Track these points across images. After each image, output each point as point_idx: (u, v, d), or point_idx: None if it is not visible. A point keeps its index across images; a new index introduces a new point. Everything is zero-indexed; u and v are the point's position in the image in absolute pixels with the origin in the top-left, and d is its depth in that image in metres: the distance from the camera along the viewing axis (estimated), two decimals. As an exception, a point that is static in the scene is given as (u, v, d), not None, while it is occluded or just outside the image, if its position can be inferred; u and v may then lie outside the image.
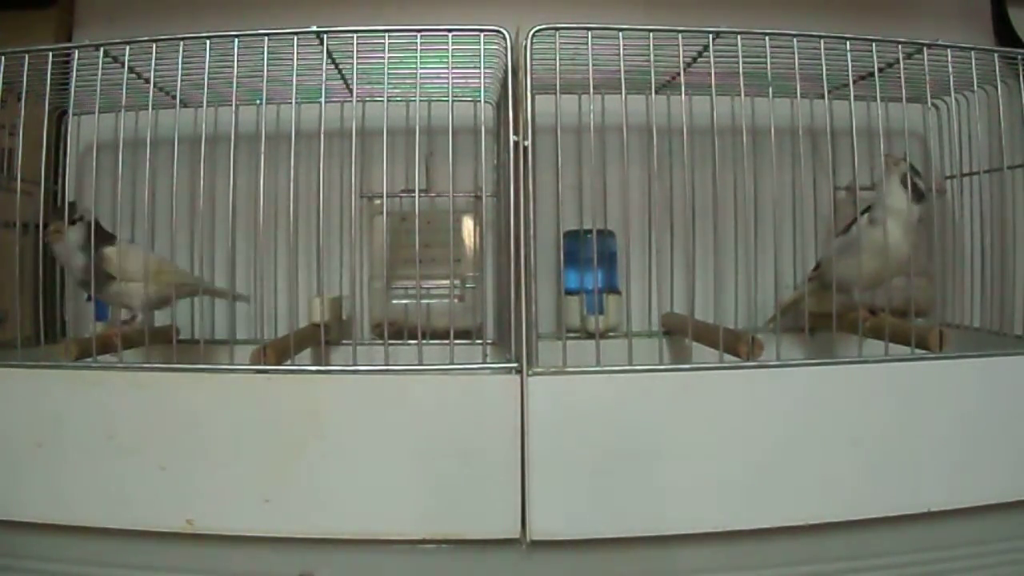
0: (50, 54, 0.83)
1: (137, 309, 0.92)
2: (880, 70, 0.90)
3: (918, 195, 0.92)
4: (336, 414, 0.76)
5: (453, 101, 0.83)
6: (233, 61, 0.83)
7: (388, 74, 0.82)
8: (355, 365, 0.83)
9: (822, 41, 0.83)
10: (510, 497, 0.74)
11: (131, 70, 0.87)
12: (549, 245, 0.99)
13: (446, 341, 0.82)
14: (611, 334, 1.08)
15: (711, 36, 0.83)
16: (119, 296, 0.91)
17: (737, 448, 0.77)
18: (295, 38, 0.80)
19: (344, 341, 1.08)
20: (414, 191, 0.91)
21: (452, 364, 0.78)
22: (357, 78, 0.89)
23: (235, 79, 0.85)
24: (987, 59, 0.89)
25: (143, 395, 0.76)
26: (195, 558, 0.76)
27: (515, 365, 0.76)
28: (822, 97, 0.95)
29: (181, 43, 0.81)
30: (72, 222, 0.89)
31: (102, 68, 0.83)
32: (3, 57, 0.83)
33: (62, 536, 0.77)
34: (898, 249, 0.90)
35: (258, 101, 0.96)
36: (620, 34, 0.80)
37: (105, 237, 0.90)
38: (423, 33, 0.81)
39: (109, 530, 0.76)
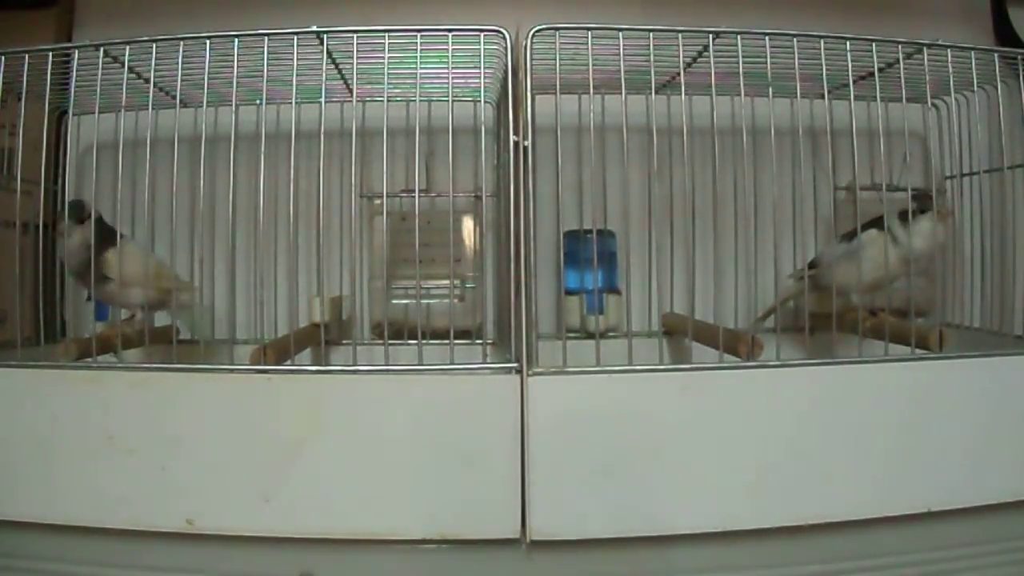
0: (50, 54, 0.83)
1: (136, 308, 0.92)
2: (880, 70, 0.90)
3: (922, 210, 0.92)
4: (336, 414, 0.76)
5: (453, 101, 0.83)
6: (233, 61, 0.83)
7: (388, 74, 0.82)
8: (355, 365, 0.83)
9: (822, 41, 0.83)
10: (510, 497, 0.74)
11: (131, 70, 0.87)
12: (549, 245, 0.99)
13: (446, 341, 0.82)
14: (611, 334, 1.08)
15: (711, 36, 0.83)
16: (114, 296, 0.90)
17: (737, 448, 0.77)
18: (295, 38, 0.80)
19: (344, 341, 1.08)
20: (414, 191, 0.91)
21: (452, 364, 0.78)
22: (357, 78, 0.89)
23: (235, 79, 0.85)
24: (987, 59, 0.89)
25: (143, 395, 0.76)
26: (195, 558, 0.76)
27: (515, 365, 0.76)
28: (822, 97, 0.95)
29: (181, 43, 0.81)
30: (80, 221, 0.88)
31: (102, 68, 0.83)
32: (3, 57, 0.83)
33: (62, 536, 0.77)
34: (900, 270, 0.91)
35: (258, 101, 0.96)
36: (620, 34, 0.80)
37: (109, 236, 0.89)
38: (423, 33, 0.81)
39: (109, 530, 0.76)
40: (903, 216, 0.91)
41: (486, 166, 0.99)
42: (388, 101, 0.82)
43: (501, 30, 0.79)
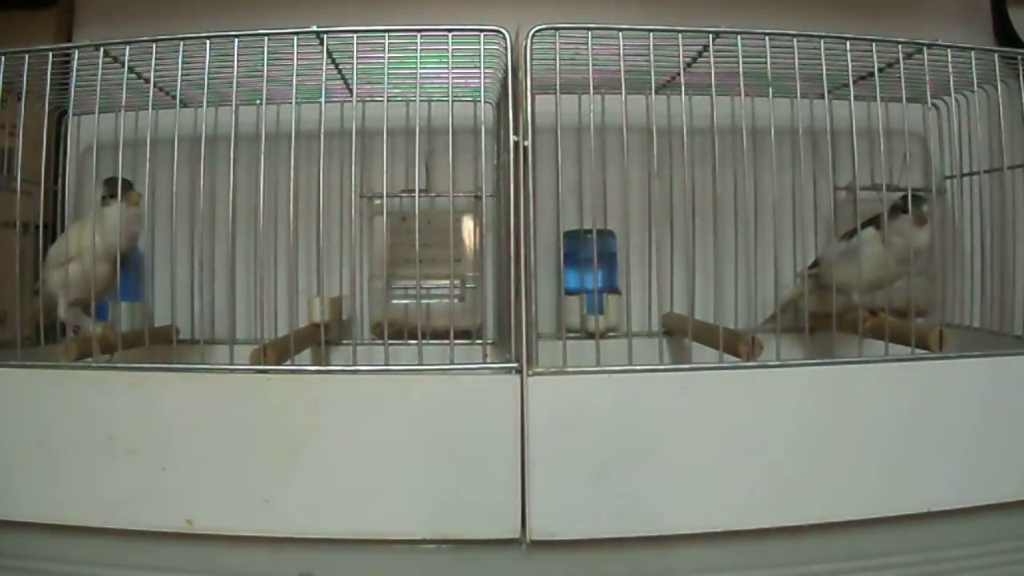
0: (50, 54, 0.83)
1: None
2: (880, 70, 0.90)
3: (920, 219, 0.92)
4: (336, 414, 0.76)
5: (453, 101, 0.83)
6: (233, 61, 0.83)
7: (388, 74, 0.82)
8: (355, 365, 0.83)
9: (822, 41, 0.83)
10: (510, 497, 0.74)
11: (131, 70, 0.87)
12: (549, 245, 0.99)
13: (446, 341, 0.82)
14: (611, 334, 1.08)
15: (711, 36, 0.83)
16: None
17: (737, 448, 0.77)
18: (295, 38, 0.80)
19: (344, 341, 1.08)
20: (414, 191, 0.91)
21: (452, 364, 0.78)
22: (357, 78, 0.89)
23: (235, 79, 0.85)
24: (987, 59, 0.89)
25: (143, 395, 0.76)
26: (195, 558, 0.76)
27: (515, 365, 0.76)
28: (822, 97, 0.95)
29: (181, 43, 0.81)
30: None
31: (102, 68, 0.83)
32: (3, 57, 0.83)
33: (62, 536, 0.76)
34: (900, 268, 0.92)
35: (258, 101, 0.96)
36: (620, 34, 0.80)
37: None
38: (423, 33, 0.81)
39: (109, 530, 0.76)
40: (892, 212, 0.91)
41: (486, 166, 0.99)
42: (388, 101, 0.82)
43: (501, 30, 0.79)
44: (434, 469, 0.75)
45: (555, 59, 0.80)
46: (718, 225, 0.88)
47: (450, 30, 0.80)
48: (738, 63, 0.82)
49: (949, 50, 0.87)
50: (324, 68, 0.86)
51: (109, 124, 0.84)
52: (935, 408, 0.79)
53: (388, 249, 1.08)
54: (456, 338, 0.82)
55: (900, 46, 0.86)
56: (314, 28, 0.80)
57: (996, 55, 0.90)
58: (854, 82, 0.87)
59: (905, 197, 0.90)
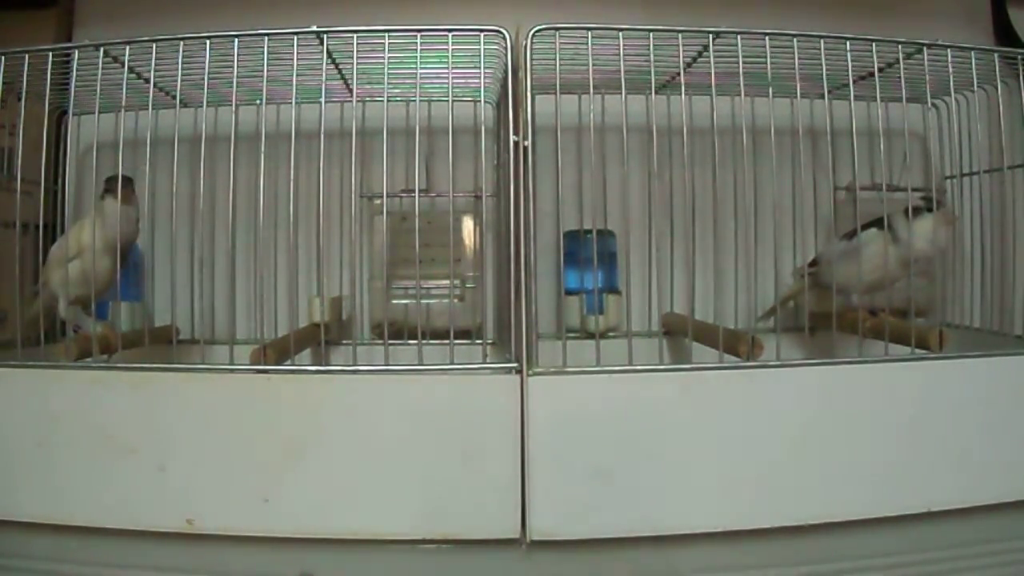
0: (50, 54, 0.83)
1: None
2: (880, 70, 0.90)
3: (948, 218, 0.92)
4: (336, 414, 0.76)
5: (453, 101, 0.83)
6: (233, 61, 0.83)
7: (388, 74, 0.82)
8: (355, 365, 0.83)
9: (822, 41, 0.83)
10: (510, 497, 0.74)
11: (131, 70, 0.87)
12: (549, 245, 0.99)
13: (446, 341, 0.82)
14: (611, 334, 1.08)
15: (711, 36, 0.83)
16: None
17: (737, 448, 0.77)
18: (295, 38, 0.80)
19: (344, 341, 1.08)
20: (414, 191, 0.91)
21: (452, 364, 0.78)
22: (357, 78, 0.89)
23: (235, 79, 0.85)
24: (987, 59, 0.89)
25: (142, 395, 0.76)
26: (195, 558, 0.76)
27: (515, 365, 0.76)
28: (822, 97, 0.95)
29: (181, 43, 0.81)
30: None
31: (102, 68, 0.83)
32: (3, 57, 0.83)
33: (61, 536, 0.77)
34: (902, 269, 0.92)
35: (258, 101, 0.96)
36: (620, 34, 0.80)
37: None
38: (423, 33, 0.81)
39: (108, 530, 0.76)
40: (908, 212, 0.91)
41: (486, 166, 0.99)
42: (388, 101, 0.82)
43: (501, 30, 0.79)
44: (434, 469, 0.75)
45: (555, 59, 0.80)
46: (718, 225, 0.87)
47: (450, 30, 0.80)
48: (738, 63, 0.82)
49: (949, 50, 0.87)
50: (324, 68, 0.86)
51: (109, 124, 0.85)
52: (935, 408, 0.79)
53: (388, 249, 1.08)
54: (456, 338, 0.82)
55: (900, 46, 0.86)
56: (314, 28, 0.80)
57: (996, 55, 0.90)
58: (854, 82, 0.87)
59: (927, 197, 0.90)
